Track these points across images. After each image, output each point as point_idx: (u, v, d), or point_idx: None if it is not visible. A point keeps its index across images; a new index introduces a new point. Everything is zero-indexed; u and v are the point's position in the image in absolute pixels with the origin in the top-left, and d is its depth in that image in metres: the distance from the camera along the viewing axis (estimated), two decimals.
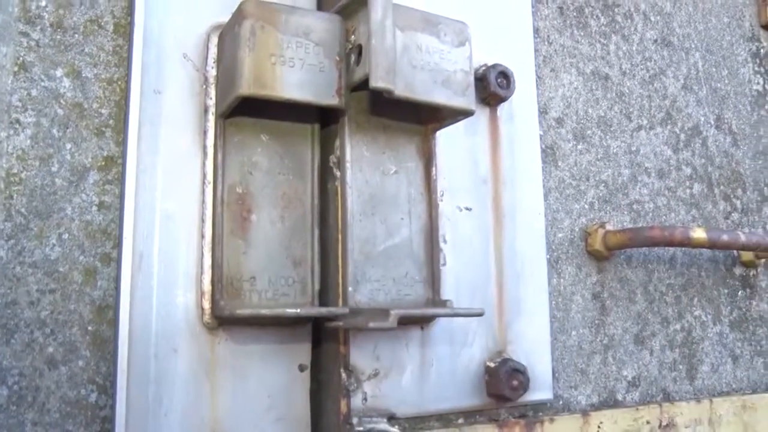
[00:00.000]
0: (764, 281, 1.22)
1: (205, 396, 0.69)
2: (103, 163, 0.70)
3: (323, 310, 0.71)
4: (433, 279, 0.76)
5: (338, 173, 0.74)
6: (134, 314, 0.66)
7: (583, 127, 1.02)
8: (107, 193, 0.70)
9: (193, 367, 0.69)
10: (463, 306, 0.81)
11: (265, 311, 0.68)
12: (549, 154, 0.98)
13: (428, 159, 0.78)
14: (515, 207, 0.89)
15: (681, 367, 1.06)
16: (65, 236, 0.67)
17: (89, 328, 0.67)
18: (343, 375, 0.74)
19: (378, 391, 0.75)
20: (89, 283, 0.67)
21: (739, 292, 1.18)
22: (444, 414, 0.81)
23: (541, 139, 0.96)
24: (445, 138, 0.83)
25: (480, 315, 0.74)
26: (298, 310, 0.68)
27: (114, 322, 0.67)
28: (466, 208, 0.84)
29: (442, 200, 0.82)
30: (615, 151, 1.05)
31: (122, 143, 0.70)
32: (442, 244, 0.81)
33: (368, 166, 0.74)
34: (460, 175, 0.84)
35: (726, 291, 1.16)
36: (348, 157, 0.73)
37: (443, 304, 0.75)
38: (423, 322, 0.79)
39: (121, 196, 0.69)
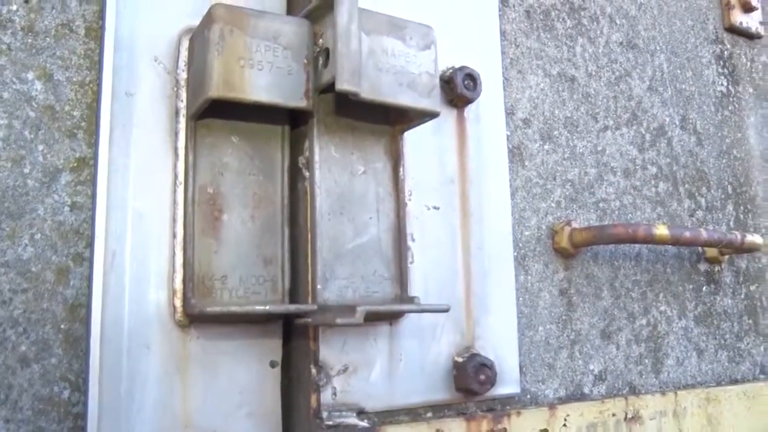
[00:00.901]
0: (728, 277, 1.25)
1: (176, 392, 0.70)
2: (75, 165, 0.71)
3: (292, 308, 0.72)
4: (401, 276, 0.78)
5: (307, 174, 0.75)
6: (106, 312, 0.68)
7: (549, 128, 1.05)
8: (79, 194, 0.71)
9: (165, 364, 0.70)
10: (431, 303, 0.83)
11: (235, 309, 0.69)
12: (516, 154, 1.00)
13: (396, 159, 0.80)
14: (482, 206, 0.91)
15: (647, 361, 1.09)
16: (37, 236, 0.68)
17: (62, 326, 0.68)
18: (313, 371, 0.75)
19: (347, 386, 0.77)
20: (62, 282, 0.69)
21: (704, 288, 1.21)
22: (413, 408, 0.83)
23: (508, 139, 0.98)
24: (413, 139, 0.85)
25: (446, 311, 0.76)
26: (267, 307, 0.70)
27: (86, 321, 0.68)
28: (434, 207, 0.86)
29: (410, 200, 0.84)
30: (581, 150, 1.08)
31: (94, 145, 0.71)
32: (410, 243, 0.83)
33: (337, 167, 0.76)
34: (427, 175, 0.86)
35: (691, 287, 1.19)
36: (317, 157, 0.74)
37: (410, 300, 0.76)
38: (391, 318, 0.81)
39: (93, 197, 0.70)
